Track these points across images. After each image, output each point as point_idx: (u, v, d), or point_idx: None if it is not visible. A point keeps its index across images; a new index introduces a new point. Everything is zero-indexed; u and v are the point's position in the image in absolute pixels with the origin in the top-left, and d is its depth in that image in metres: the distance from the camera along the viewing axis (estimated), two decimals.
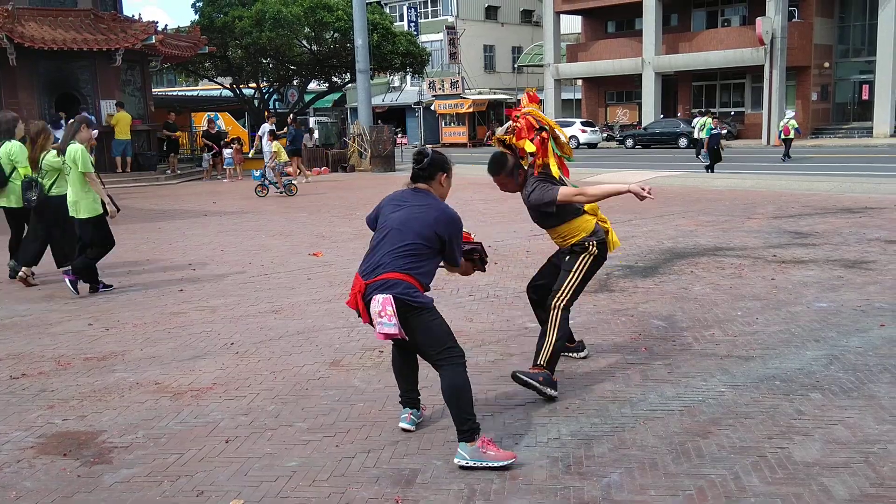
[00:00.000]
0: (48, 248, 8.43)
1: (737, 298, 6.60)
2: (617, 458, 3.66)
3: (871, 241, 9.03)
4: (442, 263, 3.95)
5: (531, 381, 4.32)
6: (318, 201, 16.01)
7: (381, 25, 32.07)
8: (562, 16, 43.98)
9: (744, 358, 5.03)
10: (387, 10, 44.26)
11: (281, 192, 17.29)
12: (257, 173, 17.91)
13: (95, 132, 8.01)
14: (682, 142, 33.74)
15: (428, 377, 4.84)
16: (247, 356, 5.43)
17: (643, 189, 4.28)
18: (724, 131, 36.29)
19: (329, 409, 4.38)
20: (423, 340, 3.71)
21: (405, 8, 50.18)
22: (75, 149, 7.32)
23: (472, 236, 4.28)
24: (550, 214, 4.53)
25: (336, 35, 31.13)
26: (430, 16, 52.36)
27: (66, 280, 7.56)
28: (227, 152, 23.19)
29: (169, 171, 23.30)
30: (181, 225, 12.79)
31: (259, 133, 21.82)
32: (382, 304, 3.61)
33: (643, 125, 38.33)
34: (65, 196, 7.69)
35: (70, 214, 7.53)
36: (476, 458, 3.55)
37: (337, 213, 13.69)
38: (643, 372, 4.84)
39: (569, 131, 37.89)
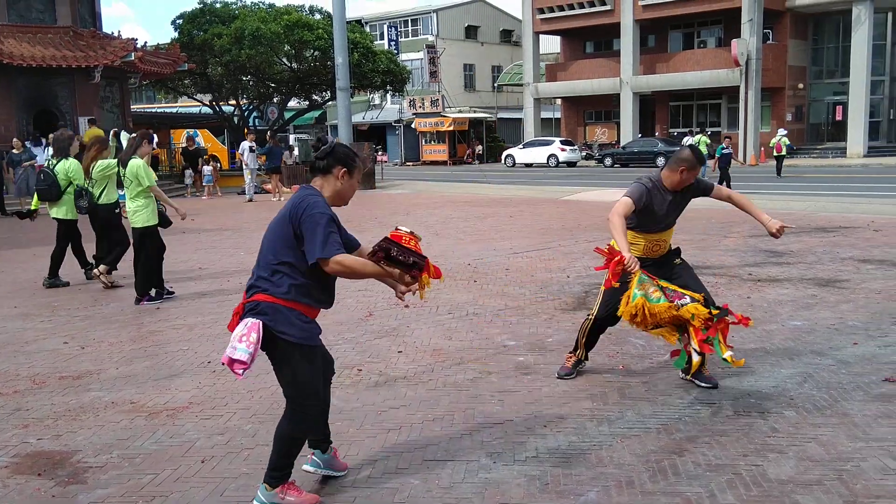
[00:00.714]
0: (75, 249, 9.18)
1: None
2: (594, 476, 3.68)
3: (844, 261, 9.15)
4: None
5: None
6: None
7: (362, 44, 32.22)
8: (541, 36, 44.37)
9: (720, 376, 5.07)
10: (367, 29, 44.50)
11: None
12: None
13: (154, 145, 8.67)
14: (661, 161, 34.02)
15: (406, 395, 4.85)
16: (224, 375, 5.39)
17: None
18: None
19: None
20: (284, 376, 3.40)
21: (386, 27, 50.45)
22: (137, 164, 7.65)
23: (416, 242, 3.43)
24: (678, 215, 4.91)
25: (316, 53, 31.25)
26: (410, 35, 52.64)
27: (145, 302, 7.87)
28: (206, 169, 23.14)
29: None
30: None
31: (239, 151, 21.82)
32: (248, 329, 3.25)
33: (622, 144, 38.67)
34: (113, 204, 8.51)
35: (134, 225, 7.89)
36: (271, 501, 3.39)
37: None
38: (621, 390, 4.87)
39: (548, 150, 38.26)
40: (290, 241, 3.25)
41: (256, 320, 3.26)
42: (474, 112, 48.91)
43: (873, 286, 7.68)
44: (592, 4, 40.36)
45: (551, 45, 49.56)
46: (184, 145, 26.00)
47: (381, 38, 48.92)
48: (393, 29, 49.54)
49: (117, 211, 8.60)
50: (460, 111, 47.92)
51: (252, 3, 33.70)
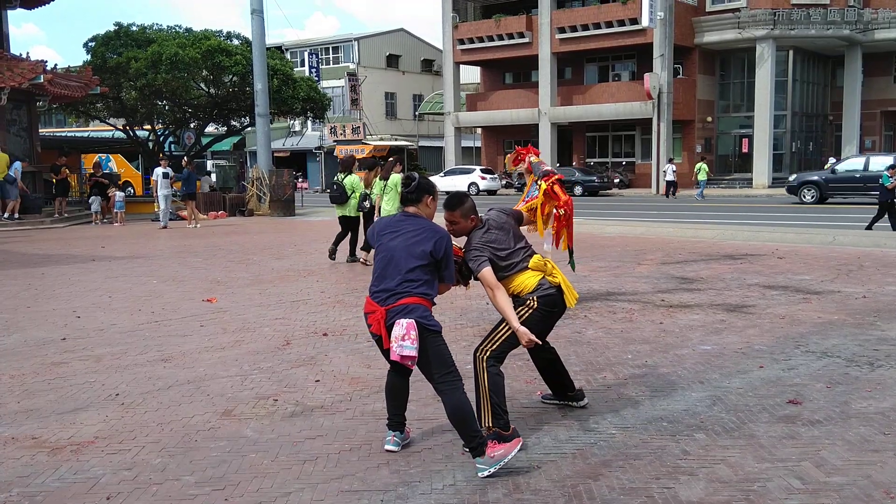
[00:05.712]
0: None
1: (628, 342, 6.81)
2: (511, 503, 3.68)
3: (750, 287, 9.50)
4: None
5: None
6: (213, 246, 15.64)
7: (282, 71, 31.91)
8: (461, 66, 45.00)
9: (634, 400, 5.17)
10: (287, 56, 44.20)
11: None
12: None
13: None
14: (578, 189, 34.82)
15: (323, 425, 4.77)
16: (133, 407, 5.21)
17: (526, 339, 4.31)
18: (617, 179, 37.78)
19: (219, 461, 4.24)
20: (431, 362, 4.05)
21: (306, 54, 50.26)
22: (398, 178, 11.03)
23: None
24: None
25: (234, 79, 30.80)
26: (331, 62, 52.62)
27: None
28: (118, 195, 22.48)
29: (56, 215, 22.35)
30: (66, 270, 12.25)
31: (153, 177, 21.26)
32: (407, 329, 3.94)
33: None
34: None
35: None
36: (493, 465, 3.93)
37: (233, 258, 13.40)
38: (537, 416, 4.90)
39: (469, 178, 38.61)
40: (429, 260, 4.12)
41: (410, 319, 3.96)
42: (395, 140, 49.09)
43: (777, 311, 7.99)
44: (511, 37, 41.22)
45: (472, 75, 50.31)
46: (92, 171, 25.23)
47: (302, 64, 48.71)
48: (313, 56, 49.39)
49: None
50: (381, 139, 48.03)
51: (168, 27, 33.10)
